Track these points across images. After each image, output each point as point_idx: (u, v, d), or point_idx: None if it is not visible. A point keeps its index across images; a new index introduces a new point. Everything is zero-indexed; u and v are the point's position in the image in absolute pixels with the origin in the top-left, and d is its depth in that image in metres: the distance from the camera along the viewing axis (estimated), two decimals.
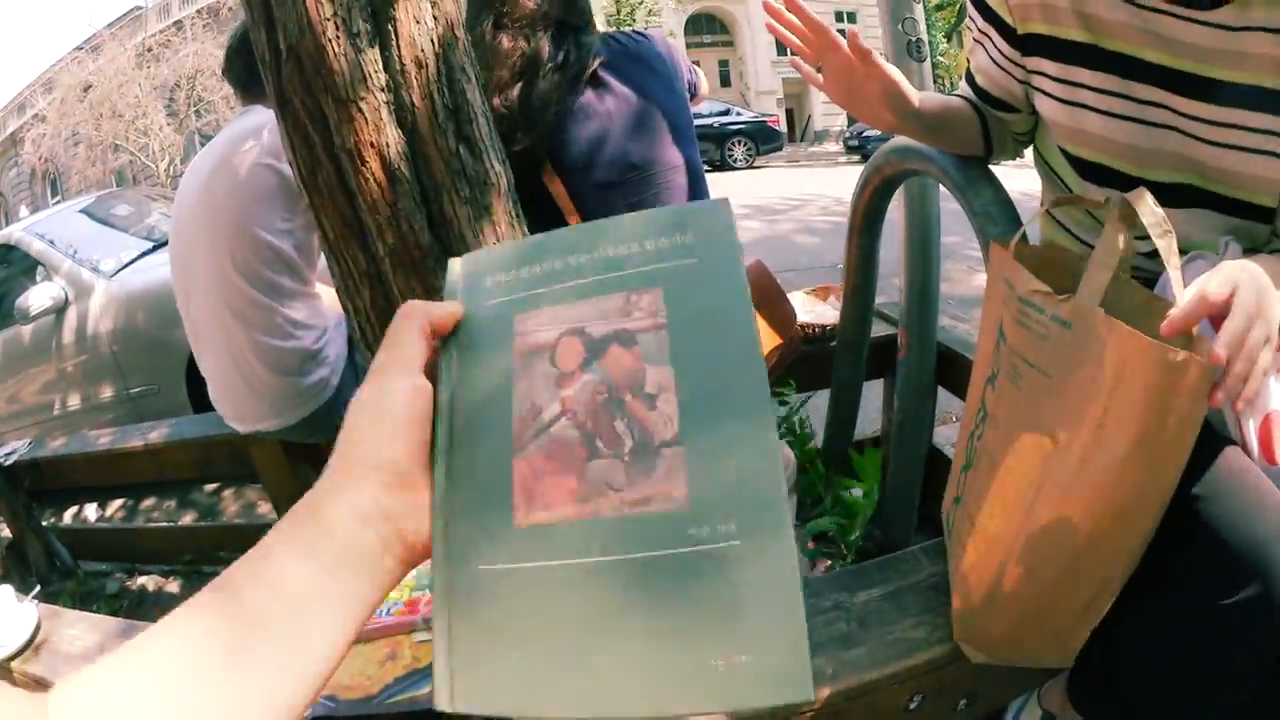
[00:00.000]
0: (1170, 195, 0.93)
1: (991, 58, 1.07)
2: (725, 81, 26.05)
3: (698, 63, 1.73)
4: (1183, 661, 0.79)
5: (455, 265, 0.48)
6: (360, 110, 0.97)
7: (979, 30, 1.08)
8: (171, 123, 20.63)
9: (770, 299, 1.50)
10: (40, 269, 4.21)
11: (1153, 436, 0.68)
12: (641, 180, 1.43)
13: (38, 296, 3.92)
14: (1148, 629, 0.81)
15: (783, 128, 19.32)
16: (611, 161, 1.40)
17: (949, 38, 23.77)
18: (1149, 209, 0.75)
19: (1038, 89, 1.04)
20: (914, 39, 2.03)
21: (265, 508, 2.51)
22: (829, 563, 1.60)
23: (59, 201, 23.47)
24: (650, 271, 0.43)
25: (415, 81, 0.99)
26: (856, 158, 16.89)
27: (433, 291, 1.02)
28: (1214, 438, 0.78)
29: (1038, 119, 1.10)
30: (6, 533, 2.34)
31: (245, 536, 2.16)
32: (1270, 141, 0.86)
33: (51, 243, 4.25)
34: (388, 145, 0.98)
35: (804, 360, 1.66)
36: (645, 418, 0.40)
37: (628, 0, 20.64)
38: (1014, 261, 0.84)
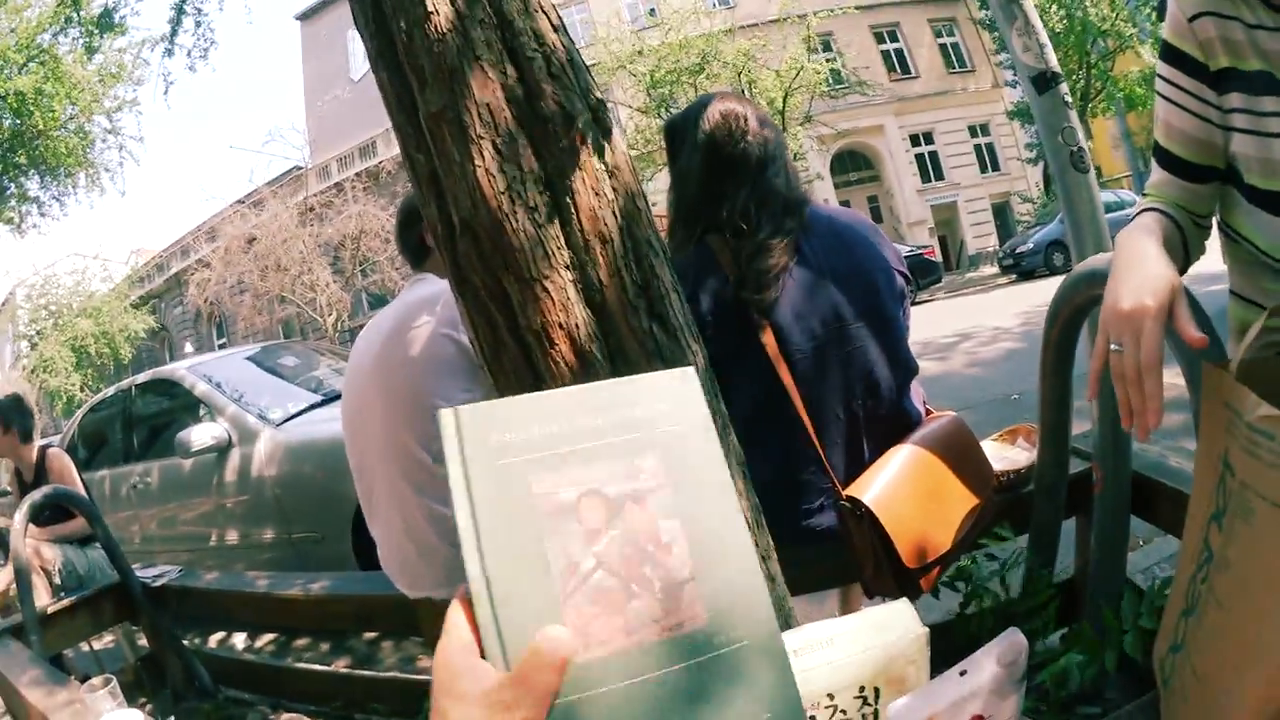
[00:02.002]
0: None
1: (1189, 110, 1.07)
2: (877, 217, 24.14)
3: (847, 202, 1.76)
4: None
5: (448, 418, 0.50)
6: (546, 290, 0.94)
7: (1172, 86, 1.08)
8: (337, 280, 21.01)
9: (969, 459, 1.42)
10: (203, 407, 4.45)
11: None
12: (848, 333, 1.43)
13: (200, 434, 4.09)
14: None
15: (938, 258, 18.99)
16: (820, 314, 1.42)
17: None
18: None
19: (1233, 128, 1.04)
20: (1075, 149, 1.94)
21: (425, 662, 2.45)
22: None
23: (224, 343, 24.90)
24: (645, 438, 0.52)
25: (601, 258, 0.96)
26: (1013, 276, 16.75)
27: None
28: None
29: (1219, 192, 1.11)
30: (144, 642, 2.36)
31: (402, 690, 2.07)
32: None
33: (217, 385, 4.49)
34: (577, 326, 0.94)
35: (998, 510, 1.52)
36: (667, 564, 0.50)
37: None
38: (1236, 384, 0.77)
